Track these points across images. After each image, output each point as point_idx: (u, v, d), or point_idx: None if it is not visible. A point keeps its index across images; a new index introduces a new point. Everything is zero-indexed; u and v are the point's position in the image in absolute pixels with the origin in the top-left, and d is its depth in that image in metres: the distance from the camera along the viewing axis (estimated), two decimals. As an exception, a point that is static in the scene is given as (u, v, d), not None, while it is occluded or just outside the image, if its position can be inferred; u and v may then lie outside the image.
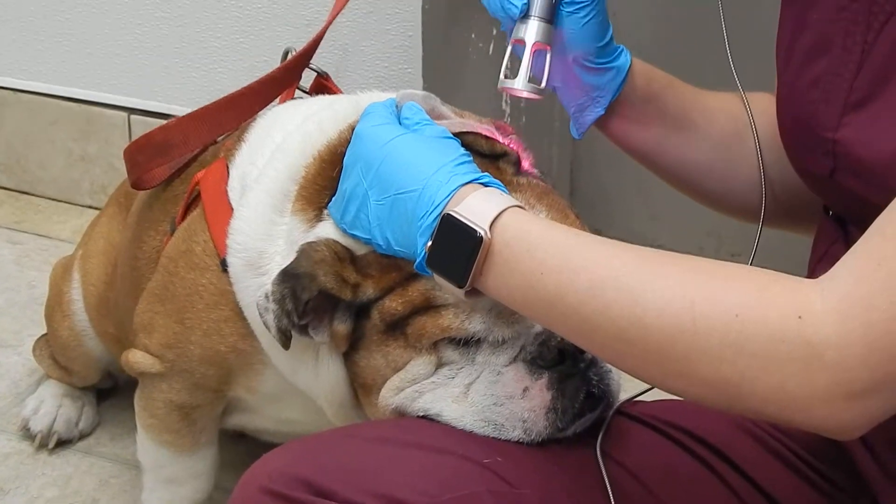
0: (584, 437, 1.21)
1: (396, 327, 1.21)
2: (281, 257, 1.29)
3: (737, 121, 1.36)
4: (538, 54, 1.26)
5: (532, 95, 1.26)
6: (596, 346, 1.04)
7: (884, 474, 1.21)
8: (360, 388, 1.29)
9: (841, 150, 1.13)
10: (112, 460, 1.92)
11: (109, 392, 2.02)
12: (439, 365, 1.22)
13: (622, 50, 1.34)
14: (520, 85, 1.25)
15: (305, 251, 1.22)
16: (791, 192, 1.33)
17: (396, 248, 1.14)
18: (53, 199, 2.68)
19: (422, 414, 1.23)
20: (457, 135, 1.19)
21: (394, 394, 1.24)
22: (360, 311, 1.23)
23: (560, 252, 1.03)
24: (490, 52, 2.16)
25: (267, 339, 1.32)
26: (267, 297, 1.22)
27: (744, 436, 1.26)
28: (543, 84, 1.27)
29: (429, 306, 1.19)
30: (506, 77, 1.27)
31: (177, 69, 2.49)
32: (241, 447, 1.77)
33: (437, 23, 2.17)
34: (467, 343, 1.21)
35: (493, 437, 1.19)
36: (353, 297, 1.22)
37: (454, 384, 1.22)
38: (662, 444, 1.24)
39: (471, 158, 1.14)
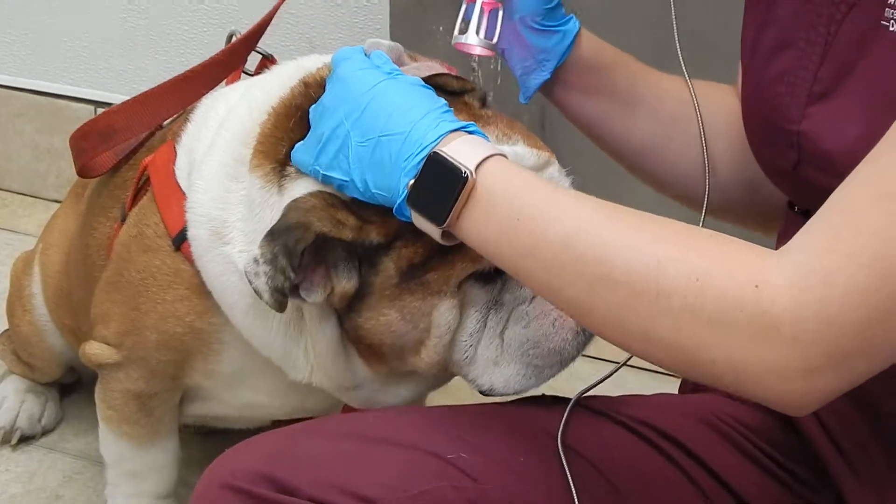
0: (548, 431, 1.20)
1: (414, 276, 1.19)
2: (242, 223, 1.28)
3: (687, 105, 1.36)
4: (491, 13, 1.28)
5: (485, 51, 1.30)
6: (563, 301, 1.03)
7: (849, 469, 1.21)
8: (367, 351, 1.27)
9: (805, 142, 1.13)
10: (76, 456, 1.91)
11: (73, 387, 2.01)
12: (463, 307, 1.21)
13: (571, 18, 1.35)
14: (472, 40, 1.29)
15: (292, 205, 1.19)
16: (738, 186, 1.33)
17: (374, 191, 1.13)
18: (19, 193, 2.67)
19: (472, 376, 1.24)
20: (426, 79, 1.19)
21: (444, 350, 1.23)
22: (364, 266, 1.21)
23: (538, 201, 1.03)
24: (458, 45, 2.15)
25: (239, 310, 1.30)
26: (256, 260, 1.18)
27: (707, 430, 1.25)
28: (495, 39, 1.29)
29: (447, 248, 1.16)
30: (460, 33, 1.30)
31: (143, 62, 2.48)
32: (205, 443, 1.76)
33: (404, 15, 2.17)
34: (491, 281, 1.21)
35: (461, 429, 1.17)
36: (356, 237, 1.19)
37: (487, 336, 1.22)
38: (625, 437, 1.23)
39: (451, 110, 1.13)
